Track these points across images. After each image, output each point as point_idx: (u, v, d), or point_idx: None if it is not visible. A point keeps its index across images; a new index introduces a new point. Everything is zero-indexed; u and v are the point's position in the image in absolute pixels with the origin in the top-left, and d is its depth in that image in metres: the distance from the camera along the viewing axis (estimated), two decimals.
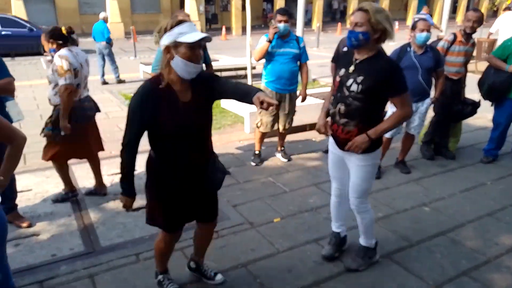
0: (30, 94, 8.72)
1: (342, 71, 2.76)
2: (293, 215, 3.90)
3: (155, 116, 2.23)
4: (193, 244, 2.99)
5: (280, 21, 4.56)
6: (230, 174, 2.65)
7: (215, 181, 2.52)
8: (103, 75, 10.31)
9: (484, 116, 6.61)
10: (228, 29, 24.25)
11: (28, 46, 14.95)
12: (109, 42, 10.39)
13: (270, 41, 4.62)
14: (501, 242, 3.50)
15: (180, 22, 2.14)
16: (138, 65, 11.48)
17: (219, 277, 2.97)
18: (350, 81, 2.67)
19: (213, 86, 2.37)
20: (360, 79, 2.63)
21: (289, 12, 4.65)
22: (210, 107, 2.43)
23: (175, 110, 2.24)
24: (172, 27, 2.13)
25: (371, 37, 2.56)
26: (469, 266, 3.19)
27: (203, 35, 2.13)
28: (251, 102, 2.20)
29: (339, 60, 2.87)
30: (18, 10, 19.50)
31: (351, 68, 2.68)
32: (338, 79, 2.77)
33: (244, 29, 22.19)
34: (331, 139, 2.97)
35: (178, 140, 2.32)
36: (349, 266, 3.13)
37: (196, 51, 2.15)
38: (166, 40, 2.15)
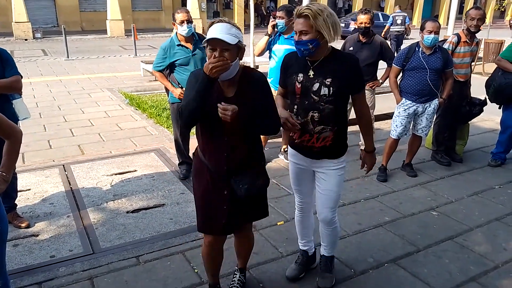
0: (29, 92, 8.64)
1: (300, 77, 2.54)
2: None
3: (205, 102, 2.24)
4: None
5: (278, 18, 4.59)
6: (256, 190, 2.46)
7: (239, 191, 2.37)
8: None
9: (492, 118, 6.54)
10: None
11: None
12: None
13: (269, 35, 4.64)
14: (510, 248, 3.44)
15: (212, 24, 2.21)
16: (138, 63, 11.40)
17: None
18: (316, 85, 2.49)
19: (257, 92, 2.34)
20: (328, 81, 2.47)
21: (288, 10, 4.61)
22: (251, 110, 2.30)
23: (218, 102, 2.22)
24: (208, 29, 2.22)
25: (320, 41, 2.40)
26: (478, 272, 3.13)
27: (214, 36, 2.13)
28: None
29: (290, 65, 2.65)
30: (18, 7, 19.38)
31: (311, 72, 2.50)
32: (298, 85, 2.55)
33: (247, 27, 22.12)
34: (293, 151, 2.76)
35: (216, 134, 2.32)
36: (324, 286, 2.94)
37: (215, 53, 2.15)
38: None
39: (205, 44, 2.17)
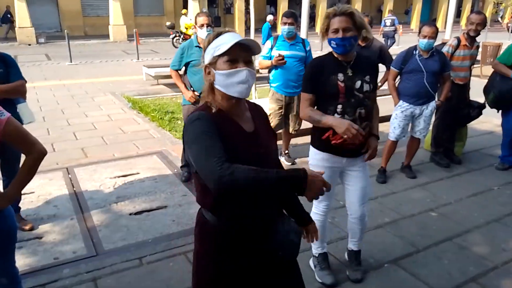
0: (33, 96, 8.70)
1: (340, 76, 2.61)
2: None
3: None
4: None
5: (285, 24, 4.60)
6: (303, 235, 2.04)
7: (290, 245, 1.80)
8: None
9: (490, 120, 6.57)
10: None
11: None
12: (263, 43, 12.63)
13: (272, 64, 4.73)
14: (509, 248, 3.46)
15: (219, 34, 1.65)
16: (141, 68, 11.47)
17: None
18: (358, 83, 2.61)
19: (267, 126, 1.88)
20: (368, 78, 2.63)
21: (295, 15, 4.67)
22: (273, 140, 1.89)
23: (243, 143, 1.66)
24: (210, 42, 1.65)
25: (358, 39, 2.59)
26: (477, 272, 3.15)
27: (239, 39, 1.59)
28: None
29: (320, 69, 2.68)
30: (21, 12, 19.52)
31: (349, 71, 2.61)
32: (341, 84, 2.60)
33: (247, 32, 22.20)
34: (327, 155, 2.75)
35: None
36: (356, 278, 3.03)
37: (239, 64, 1.60)
38: (206, 59, 1.67)
39: (217, 55, 1.60)
